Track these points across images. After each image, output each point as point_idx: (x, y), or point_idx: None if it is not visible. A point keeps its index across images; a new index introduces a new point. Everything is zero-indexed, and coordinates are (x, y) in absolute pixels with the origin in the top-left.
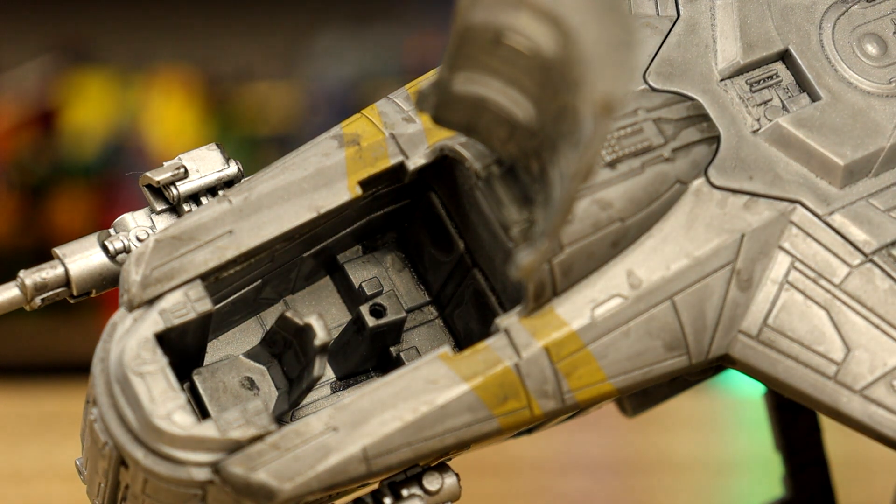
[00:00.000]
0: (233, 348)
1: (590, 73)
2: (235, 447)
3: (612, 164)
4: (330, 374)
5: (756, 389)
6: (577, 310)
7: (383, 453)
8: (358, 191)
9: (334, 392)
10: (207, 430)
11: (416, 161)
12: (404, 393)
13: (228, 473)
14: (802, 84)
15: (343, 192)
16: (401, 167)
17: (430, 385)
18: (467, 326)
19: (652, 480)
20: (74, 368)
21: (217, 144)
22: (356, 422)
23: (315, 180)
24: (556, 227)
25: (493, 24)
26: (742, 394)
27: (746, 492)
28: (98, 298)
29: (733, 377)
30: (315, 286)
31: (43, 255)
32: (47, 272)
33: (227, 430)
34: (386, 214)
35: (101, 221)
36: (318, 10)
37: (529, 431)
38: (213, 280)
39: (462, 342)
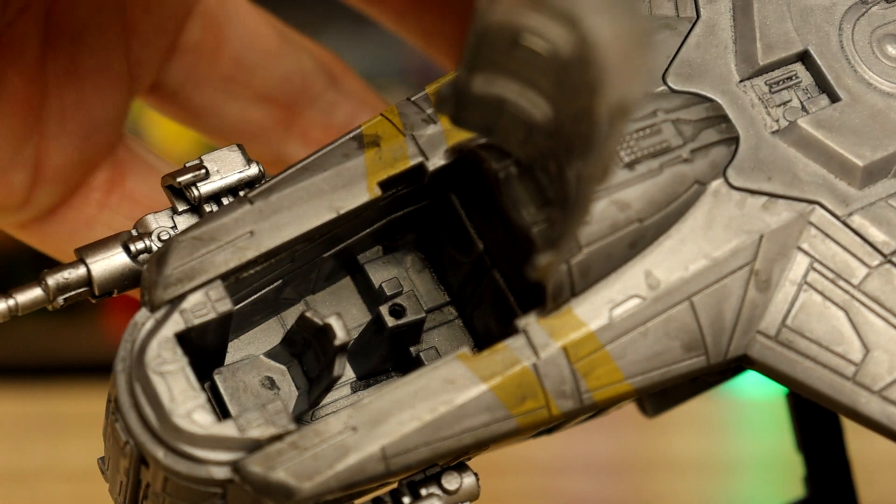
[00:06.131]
0: (254, 348)
1: (605, 75)
2: (255, 446)
3: (630, 165)
4: (350, 373)
5: (756, 391)
6: (595, 310)
7: (401, 453)
8: (377, 192)
9: (354, 392)
10: (227, 429)
11: (435, 162)
12: (423, 393)
13: (248, 472)
14: (822, 85)
15: (362, 193)
16: (420, 168)
17: (449, 385)
18: (486, 326)
19: (653, 481)
20: (76, 369)
21: (238, 145)
22: (375, 421)
23: (335, 181)
24: (573, 228)
25: (511, 26)
26: (743, 395)
27: (748, 492)
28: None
29: (734, 378)
30: (335, 286)
31: (43, 256)
32: (70, 272)
33: (247, 430)
34: (406, 215)
35: None
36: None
37: (549, 431)
38: (234, 280)
39: (482, 342)
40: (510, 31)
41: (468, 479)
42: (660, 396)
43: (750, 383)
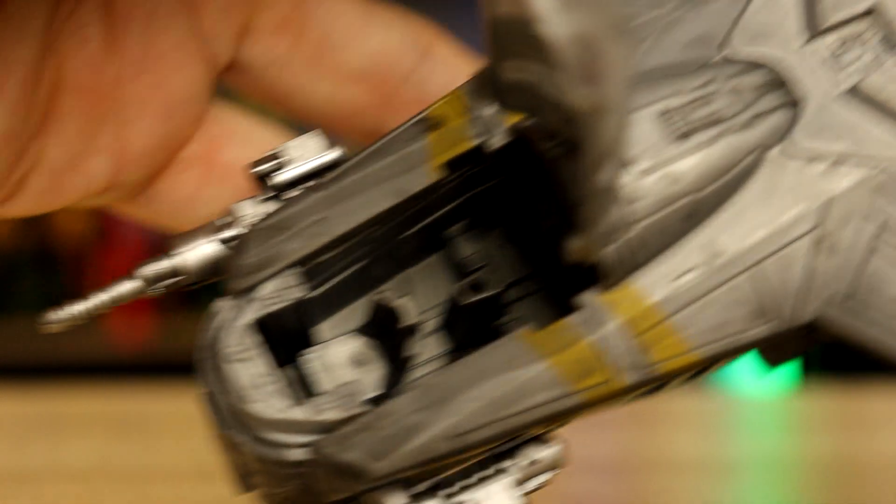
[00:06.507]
0: (343, 327)
1: (567, 78)
2: (328, 428)
3: (683, 137)
4: (445, 344)
5: (756, 391)
6: (655, 283)
7: (468, 431)
8: (440, 173)
9: (445, 364)
10: (301, 412)
11: (496, 142)
12: (486, 371)
13: (321, 454)
14: (891, 42)
15: (425, 176)
16: (481, 148)
17: (510, 363)
18: (567, 299)
19: (653, 481)
20: (76, 369)
21: (320, 129)
22: (441, 401)
23: (399, 166)
24: (595, 215)
25: (516, 16)
26: (743, 395)
27: (747, 492)
28: None
29: (734, 378)
30: (424, 262)
31: (44, 256)
32: (164, 263)
33: (320, 413)
34: (484, 190)
35: (101, 223)
36: None
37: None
38: (311, 266)
39: (566, 314)
40: (516, 21)
41: (550, 451)
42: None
43: (750, 383)
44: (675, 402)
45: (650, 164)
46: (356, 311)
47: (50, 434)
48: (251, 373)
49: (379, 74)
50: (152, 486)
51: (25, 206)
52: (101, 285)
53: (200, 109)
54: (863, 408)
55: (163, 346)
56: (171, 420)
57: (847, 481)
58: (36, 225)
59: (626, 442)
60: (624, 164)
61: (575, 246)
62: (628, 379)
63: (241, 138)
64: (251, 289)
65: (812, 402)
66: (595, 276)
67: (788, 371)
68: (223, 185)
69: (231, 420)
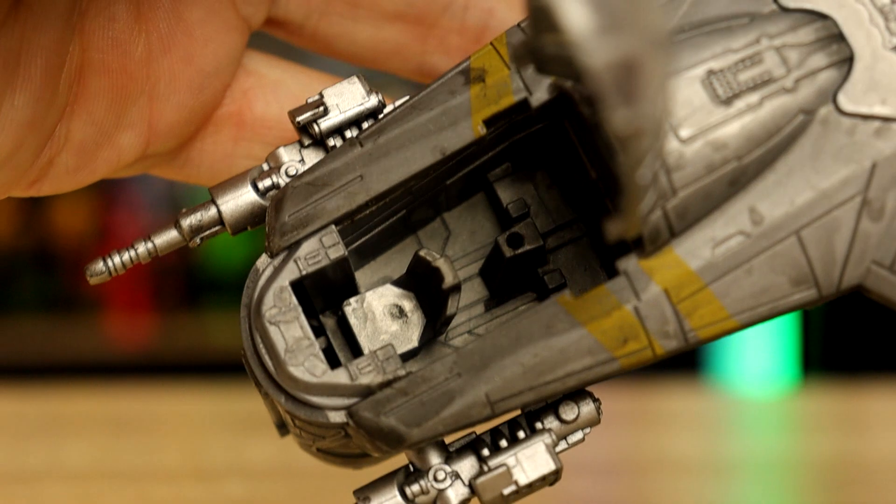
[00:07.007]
0: (390, 269)
1: (605, 101)
2: (367, 392)
3: (727, 102)
4: (484, 292)
5: (756, 391)
6: (696, 250)
7: (506, 397)
8: (482, 130)
9: (488, 310)
10: (339, 377)
11: (539, 97)
12: (524, 338)
13: (360, 418)
14: None
15: (467, 132)
16: (525, 104)
17: (549, 329)
18: (609, 249)
19: (653, 481)
20: (76, 369)
21: (358, 76)
22: (479, 367)
23: (440, 121)
24: (635, 204)
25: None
26: (743, 395)
27: (747, 492)
28: (100, 299)
29: (734, 377)
30: (469, 203)
31: (44, 255)
32: (202, 214)
33: (358, 377)
34: (529, 136)
35: (101, 222)
36: None
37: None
38: (349, 224)
39: (607, 262)
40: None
41: (586, 408)
42: None
43: (747, 381)
44: (675, 402)
45: (694, 130)
46: (394, 259)
47: (50, 434)
48: (290, 336)
49: (417, 8)
50: (152, 486)
51: (56, 185)
52: (101, 285)
53: (231, 75)
54: (863, 408)
55: (163, 346)
56: (171, 420)
57: (847, 481)
58: (36, 225)
59: (626, 442)
60: (667, 131)
61: (616, 229)
62: (668, 345)
63: (270, 89)
64: (291, 247)
65: (812, 402)
66: (636, 241)
67: (788, 371)
68: (258, 138)
69: (270, 379)
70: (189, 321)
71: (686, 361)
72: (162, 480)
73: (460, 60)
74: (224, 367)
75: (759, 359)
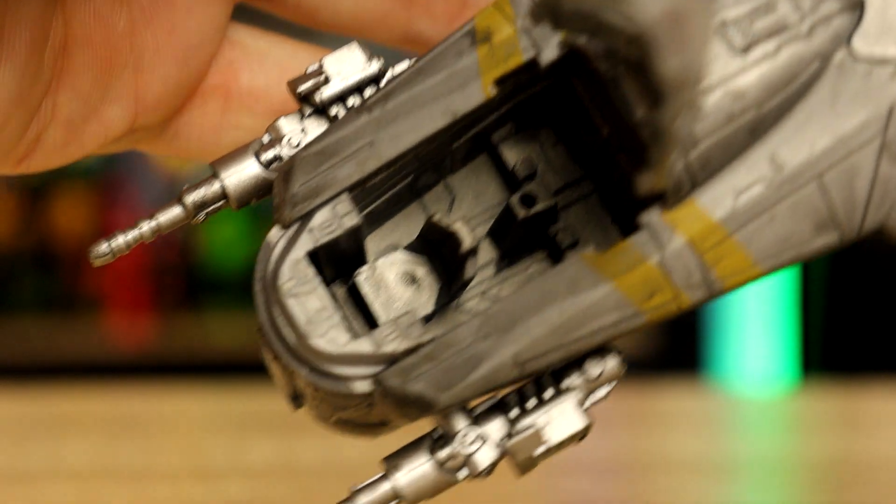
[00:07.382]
0: (396, 236)
1: (654, 54)
2: (391, 360)
3: (744, 51)
4: (494, 253)
5: (756, 391)
6: (718, 200)
7: (534, 357)
8: (492, 91)
9: (499, 271)
10: (362, 346)
11: (548, 56)
12: (549, 296)
13: (387, 386)
14: None
15: (477, 94)
16: (534, 63)
17: (574, 287)
18: (620, 204)
19: (653, 481)
20: (76, 369)
21: (357, 42)
22: (504, 328)
23: (449, 84)
24: (668, 155)
25: None
26: (742, 394)
27: (747, 492)
28: (100, 299)
29: (733, 377)
30: (473, 164)
31: (44, 255)
32: (206, 189)
33: (382, 345)
34: (533, 95)
35: (101, 222)
36: None
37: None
38: (360, 191)
39: (619, 217)
40: None
41: (611, 362)
42: None
43: (747, 381)
44: (675, 402)
45: (712, 81)
46: (400, 225)
47: (50, 434)
48: (309, 307)
49: None
50: (152, 486)
51: (45, 161)
52: (101, 285)
53: (216, 46)
54: (863, 408)
55: (163, 346)
56: (171, 420)
57: (847, 481)
58: (36, 225)
59: (626, 442)
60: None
61: (647, 182)
62: (694, 297)
63: (256, 60)
64: (304, 218)
65: (812, 402)
66: (658, 194)
67: (788, 371)
68: (245, 109)
69: (289, 352)
70: (189, 321)
71: (686, 361)
72: (162, 480)
73: (447, 26)
74: (224, 367)
75: (759, 359)
